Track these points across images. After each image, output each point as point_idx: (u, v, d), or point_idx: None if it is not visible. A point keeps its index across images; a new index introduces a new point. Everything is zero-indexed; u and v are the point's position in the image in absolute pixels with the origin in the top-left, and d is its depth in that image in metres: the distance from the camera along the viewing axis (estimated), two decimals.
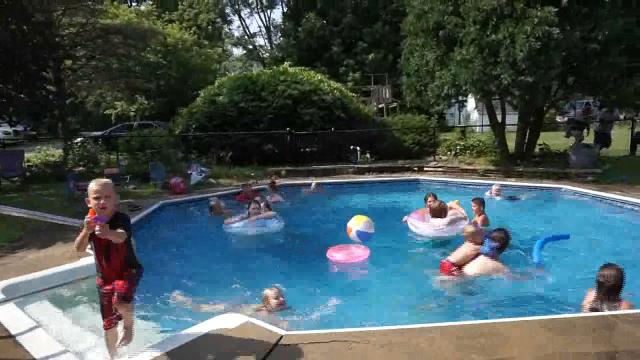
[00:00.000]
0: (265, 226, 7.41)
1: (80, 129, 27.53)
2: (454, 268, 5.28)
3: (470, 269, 5.25)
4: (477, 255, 5.35)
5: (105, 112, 27.40)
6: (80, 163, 13.02)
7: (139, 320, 4.26)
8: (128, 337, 3.09)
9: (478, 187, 10.60)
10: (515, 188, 10.46)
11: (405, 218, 7.54)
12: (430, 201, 7.47)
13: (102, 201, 2.93)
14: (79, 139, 15.82)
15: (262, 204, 7.97)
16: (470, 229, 5.63)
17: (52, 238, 6.37)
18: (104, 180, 3.09)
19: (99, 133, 21.43)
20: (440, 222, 6.74)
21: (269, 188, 10.31)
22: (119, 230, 2.94)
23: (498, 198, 9.27)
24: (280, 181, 11.69)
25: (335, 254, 6.04)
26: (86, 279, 4.74)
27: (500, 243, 5.26)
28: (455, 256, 5.42)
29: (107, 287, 3.06)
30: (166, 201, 9.45)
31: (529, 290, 4.88)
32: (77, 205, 8.92)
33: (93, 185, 2.99)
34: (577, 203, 9.24)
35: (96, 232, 2.85)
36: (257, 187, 10.50)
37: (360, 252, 6.02)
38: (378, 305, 4.77)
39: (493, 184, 9.99)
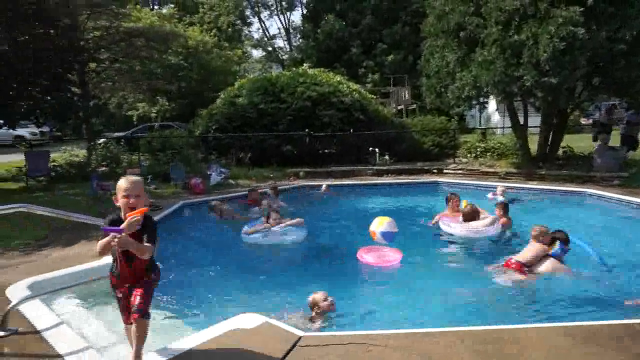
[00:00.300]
0: (288, 235, 6.87)
1: (103, 130, 28.10)
2: (525, 268, 5.27)
3: (544, 268, 5.24)
4: (546, 255, 5.34)
5: (127, 114, 27.94)
6: (103, 163, 13.30)
7: (162, 317, 4.34)
8: None
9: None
10: (537, 191, 10.29)
11: (435, 219, 7.52)
12: (455, 202, 7.69)
13: (131, 200, 2.72)
14: (102, 140, 16.16)
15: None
16: (540, 229, 5.53)
17: (76, 236, 6.52)
18: (134, 177, 2.87)
19: (122, 134, 21.86)
20: (479, 223, 6.81)
21: (272, 193, 9.80)
22: (146, 245, 2.70)
23: (501, 199, 9.08)
24: (298, 182, 11.73)
25: (366, 256, 5.89)
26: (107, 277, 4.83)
27: (565, 244, 5.33)
28: (524, 256, 5.38)
29: (122, 289, 2.92)
30: (186, 201, 9.59)
31: (595, 291, 4.89)
32: (101, 205, 9.13)
33: (123, 183, 2.76)
34: (601, 207, 9.02)
35: (113, 244, 2.62)
36: (261, 190, 10.25)
37: (392, 256, 5.84)
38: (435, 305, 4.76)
39: (497, 185, 10.12)
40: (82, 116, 14.88)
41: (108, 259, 5.20)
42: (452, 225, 7.03)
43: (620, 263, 5.72)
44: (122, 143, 16.27)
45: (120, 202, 2.75)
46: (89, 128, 15.98)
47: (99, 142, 15.60)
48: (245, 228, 7.12)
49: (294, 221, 7.12)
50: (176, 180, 11.45)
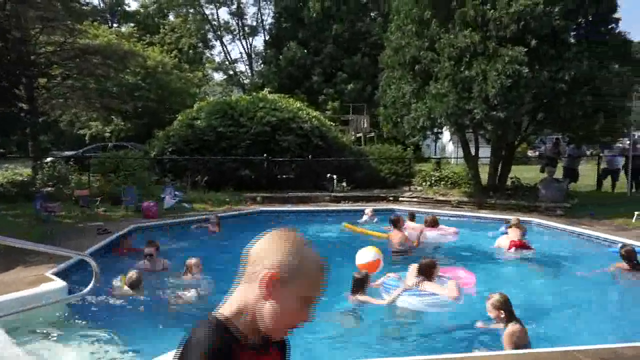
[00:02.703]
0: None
1: (51, 148, 26.87)
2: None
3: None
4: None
5: (79, 132, 26.90)
6: (50, 183, 12.63)
7: (102, 347, 4.09)
8: None
9: (450, 218, 10.77)
10: (488, 220, 10.67)
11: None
12: (402, 223, 8.45)
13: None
14: (49, 159, 15.41)
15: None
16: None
17: (11, 261, 6.10)
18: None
19: (72, 153, 20.95)
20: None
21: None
22: None
23: (366, 217, 10.65)
24: (255, 207, 11.59)
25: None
26: (44, 306, 4.53)
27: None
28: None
29: None
30: (137, 225, 9.24)
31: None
32: (44, 226, 8.64)
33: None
34: (546, 235, 9.46)
35: None
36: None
37: (468, 278, 5.83)
38: None
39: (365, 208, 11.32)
40: (28, 132, 14.17)
41: (46, 287, 4.91)
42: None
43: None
44: (71, 162, 15.58)
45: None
46: (36, 145, 15.21)
47: (46, 160, 14.86)
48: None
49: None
50: (128, 202, 11.04)
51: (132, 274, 5.58)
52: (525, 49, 9.58)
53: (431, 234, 8.59)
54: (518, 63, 9.48)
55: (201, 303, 5.33)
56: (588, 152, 17.36)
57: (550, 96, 10.15)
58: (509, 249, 7.54)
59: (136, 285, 5.48)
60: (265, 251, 1.19)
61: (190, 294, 5.51)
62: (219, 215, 10.03)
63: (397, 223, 8.08)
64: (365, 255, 6.06)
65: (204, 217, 10.29)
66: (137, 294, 5.45)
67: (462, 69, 10.22)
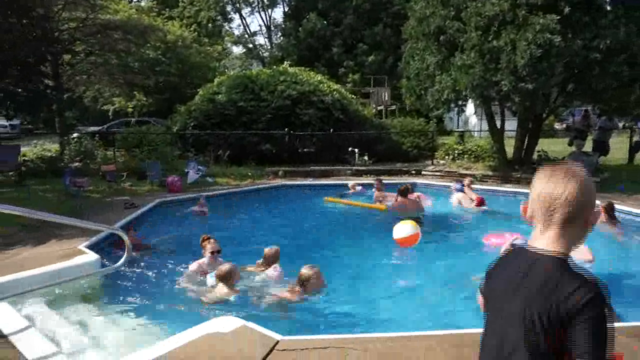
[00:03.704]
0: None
1: (77, 124, 27.34)
2: None
3: None
4: None
5: (103, 108, 27.27)
6: (77, 158, 12.93)
7: (135, 321, 4.24)
8: None
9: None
10: (512, 194, 10.49)
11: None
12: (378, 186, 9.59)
13: None
14: (75, 134, 15.71)
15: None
16: None
17: (46, 235, 6.31)
18: None
19: (97, 128, 21.31)
20: None
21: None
22: None
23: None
24: (277, 181, 11.65)
25: (493, 239, 6.52)
26: (78, 278, 4.69)
27: None
28: None
29: None
30: (163, 199, 9.40)
31: None
32: (73, 201, 8.88)
33: None
34: None
35: None
36: None
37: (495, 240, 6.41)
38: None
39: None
40: (54, 109, 14.43)
41: (78, 260, 5.07)
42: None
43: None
44: (96, 138, 15.86)
45: None
46: (62, 121, 15.50)
47: (72, 136, 15.15)
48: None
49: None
50: (152, 177, 11.22)
51: (225, 265, 4.77)
52: (558, 17, 9.14)
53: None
54: (549, 32, 9.06)
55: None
56: (620, 125, 16.74)
57: (583, 66, 9.73)
58: (477, 205, 8.90)
59: (228, 277, 4.68)
60: (569, 195, 1.35)
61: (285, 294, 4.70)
62: (206, 195, 9.57)
63: (404, 192, 8.40)
64: (403, 229, 6.07)
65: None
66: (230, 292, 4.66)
67: (489, 39, 9.84)
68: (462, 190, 9.49)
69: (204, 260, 5.38)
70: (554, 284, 1.27)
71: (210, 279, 5.01)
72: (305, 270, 4.65)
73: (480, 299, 1.62)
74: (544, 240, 1.39)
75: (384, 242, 6.59)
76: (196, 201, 9.08)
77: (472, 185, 9.82)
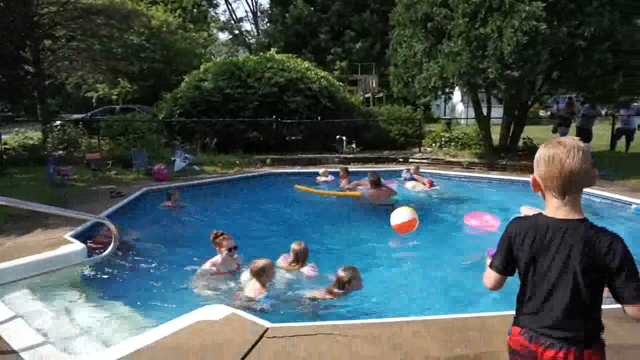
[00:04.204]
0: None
1: (59, 112, 26.82)
2: None
3: None
4: None
5: (86, 95, 26.73)
6: (60, 147, 12.69)
7: (124, 309, 4.22)
8: None
9: (461, 179, 10.74)
10: (498, 181, 10.62)
11: None
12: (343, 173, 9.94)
13: None
14: (58, 122, 15.40)
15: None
16: None
17: (31, 225, 6.21)
18: None
19: (80, 116, 20.91)
20: None
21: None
22: None
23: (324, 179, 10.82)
24: (264, 169, 11.59)
25: (472, 220, 6.74)
26: (64, 268, 4.64)
27: None
28: None
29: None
30: (149, 188, 9.31)
31: None
32: (58, 190, 8.74)
33: None
34: None
35: None
36: None
37: (492, 221, 6.56)
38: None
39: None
40: (36, 96, 14.12)
41: (65, 249, 5.01)
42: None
43: None
44: (80, 126, 15.58)
45: None
46: (44, 109, 15.19)
47: (55, 124, 14.86)
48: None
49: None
50: (138, 165, 11.10)
51: (260, 261, 4.45)
52: (544, 4, 9.18)
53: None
54: (535, 19, 9.11)
55: None
56: (603, 112, 16.99)
57: (568, 53, 9.82)
58: (430, 187, 9.73)
59: (261, 273, 4.42)
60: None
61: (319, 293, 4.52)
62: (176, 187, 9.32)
63: (377, 183, 8.69)
64: (401, 215, 6.13)
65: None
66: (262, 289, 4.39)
67: (476, 26, 9.86)
68: (413, 179, 10.18)
69: (218, 258, 5.01)
70: (594, 240, 1.64)
71: (245, 275, 4.74)
72: (345, 273, 4.45)
73: (489, 272, 1.88)
74: (567, 207, 1.69)
75: (370, 229, 6.67)
76: (167, 195, 8.43)
77: (419, 171, 10.77)
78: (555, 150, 1.69)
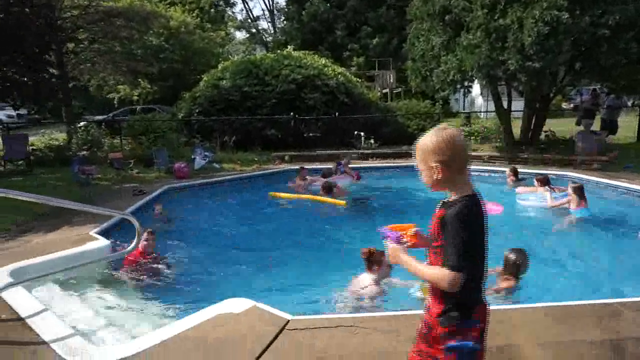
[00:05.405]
0: None
1: (83, 113, 27.43)
2: None
3: None
4: None
5: (108, 96, 27.27)
6: (84, 147, 13.02)
7: (149, 302, 4.33)
8: None
9: (482, 173, 10.58)
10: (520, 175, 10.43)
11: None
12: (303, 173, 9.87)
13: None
14: (82, 123, 15.78)
15: None
16: None
17: (58, 222, 6.41)
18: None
19: (102, 117, 21.37)
20: None
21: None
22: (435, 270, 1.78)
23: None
24: (283, 166, 11.64)
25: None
26: (91, 263, 4.78)
27: None
28: None
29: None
30: (171, 185, 9.47)
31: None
32: (83, 189, 8.97)
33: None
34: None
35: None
36: None
37: (494, 208, 6.83)
38: None
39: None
40: (61, 97, 14.49)
41: (91, 245, 5.16)
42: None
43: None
44: (103, 126, 15.93)
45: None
46: (69, 111, 15.58)
47: (79, 125, 15.24)
48: None
49: None
50: (159, 164, 11.29)
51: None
52: None
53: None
54: (557, 8, 8.91)
55: None
56: (629, 103, 16.52)
57: (591, 43, 9.57)
58: (357, 180, 10.37)
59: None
60: None
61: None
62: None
63: (329, 189, 8.63)
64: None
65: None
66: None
67: (496, 18, 9.70)
68: (344, 172, 10.50)
69: (374, 276, 4.33)
70: None
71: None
72: (514, 255, 4.13)
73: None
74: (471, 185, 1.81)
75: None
76: (154, 205, 7.59)
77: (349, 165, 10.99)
78: (447, 133, 1.84)
